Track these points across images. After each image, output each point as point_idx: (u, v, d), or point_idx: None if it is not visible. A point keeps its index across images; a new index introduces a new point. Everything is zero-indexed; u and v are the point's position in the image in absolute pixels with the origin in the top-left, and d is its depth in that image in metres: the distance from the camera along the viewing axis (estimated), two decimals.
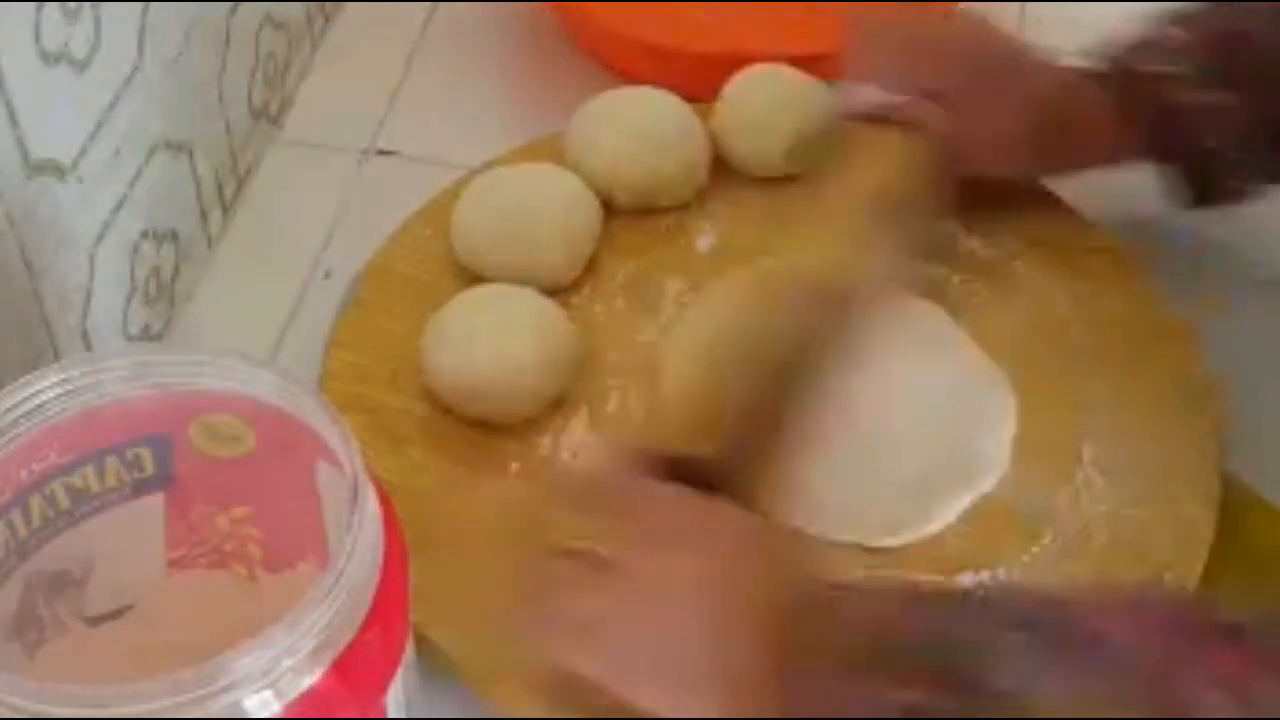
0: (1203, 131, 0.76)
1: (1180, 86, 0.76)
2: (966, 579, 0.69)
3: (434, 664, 0.64)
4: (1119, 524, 0.71)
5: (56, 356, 0.71)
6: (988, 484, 0.73)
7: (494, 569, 0.60)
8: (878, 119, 0.79)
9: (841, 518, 0.72)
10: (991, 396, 0.76)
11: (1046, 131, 0.78)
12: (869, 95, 0.79)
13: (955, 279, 0.81)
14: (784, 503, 0.70)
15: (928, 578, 0.69)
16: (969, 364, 0.78)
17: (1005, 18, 0.97)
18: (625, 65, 0.92)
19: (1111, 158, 0.80)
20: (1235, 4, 0.76)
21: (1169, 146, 0.78)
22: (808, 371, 0.69)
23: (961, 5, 0.93)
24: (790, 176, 0.85)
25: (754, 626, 0.56)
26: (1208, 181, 0.78)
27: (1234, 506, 0.71)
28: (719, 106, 0.85)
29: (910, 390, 0.77)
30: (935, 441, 0.75)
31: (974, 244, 0.82)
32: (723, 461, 0.64)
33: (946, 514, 0.72)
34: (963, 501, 0.72)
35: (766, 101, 0.84)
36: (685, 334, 0.78)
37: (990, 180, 0.80)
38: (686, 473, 0.62)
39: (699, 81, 0.86)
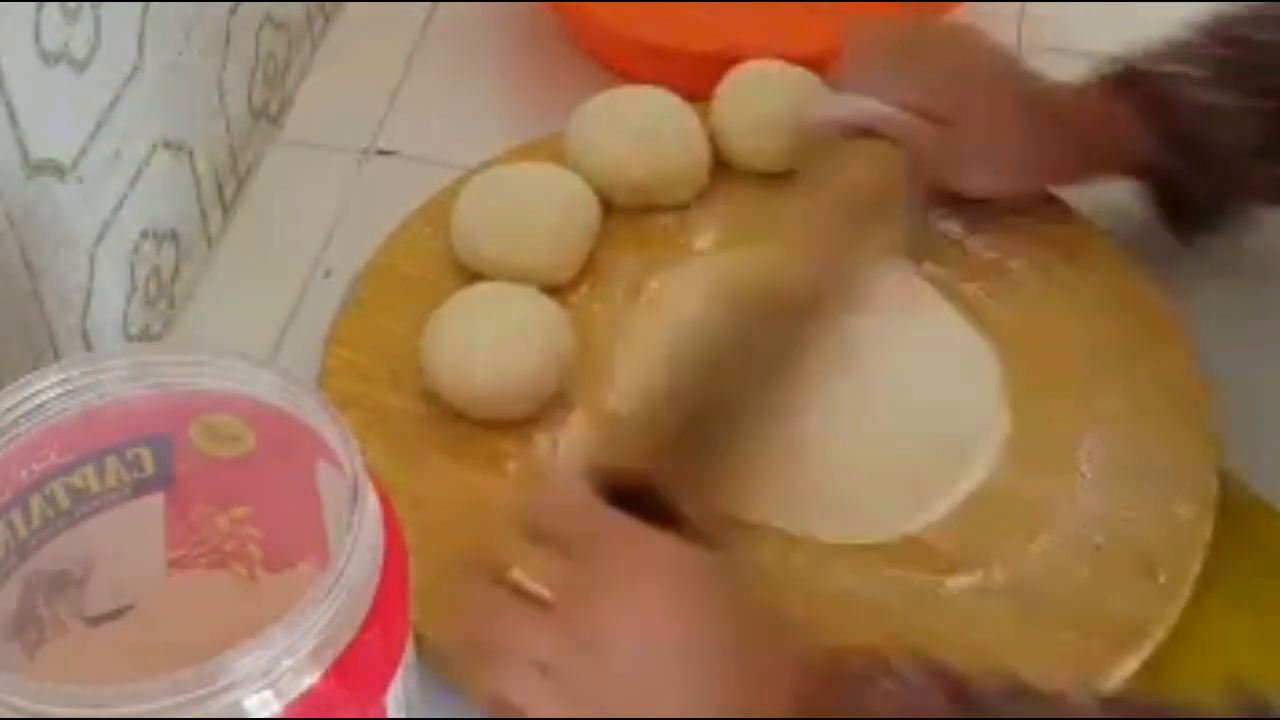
0: (1214, 133, 0.76)
1: (1194, 85, 0.76)
2: (961, 579, 0.69)
3: (434, 664, 0.64)
4: (1116, 523, 0.71)
5: (56, 356, 0.71)
6: (977, 477, 0.72)
7: (451, 581, 0.60)
8: (863, 131, 0.78)
9: (827, 515, 0.71)
10: (981, 382, 0.76)
11: (1043, 146, 0.78)
12: (859, 104, 0.78)
13: (949, 276, 0.81)
14: (761, 504, 0.70)
15: (920, 576, 0.69)
16: (958, 344, 0.78)
17: (1005, 18, 0.97)
18: (625, 65, 0.92)
19: (1112, 168, 0.80)
20: (1251, 13, 0.76)
21: (1177, 150, 0.77)
22: (768, 371, 0.69)
23: (958, 13, 0.93)
24: (790, 173, 0.85)
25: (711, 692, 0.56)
26: (1217, 190, 0.78)
27: (1232, 506, 0.71)
28: (715, 105, 0.85)
29: (897, 378, 0.76)
30: (923, 433, 0.74)
31: (972, 242, 0.82)
32: (679, 472, 0.64)
33: (936, 509, 0.71)
34: (953, 495, 0.72)
35: (761, 98, 0.84)
36: (637, 334, 0.78)
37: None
38: (642, 486, 0.62)
39: (699, 81, 0.86)
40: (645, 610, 0.57)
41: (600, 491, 0.62)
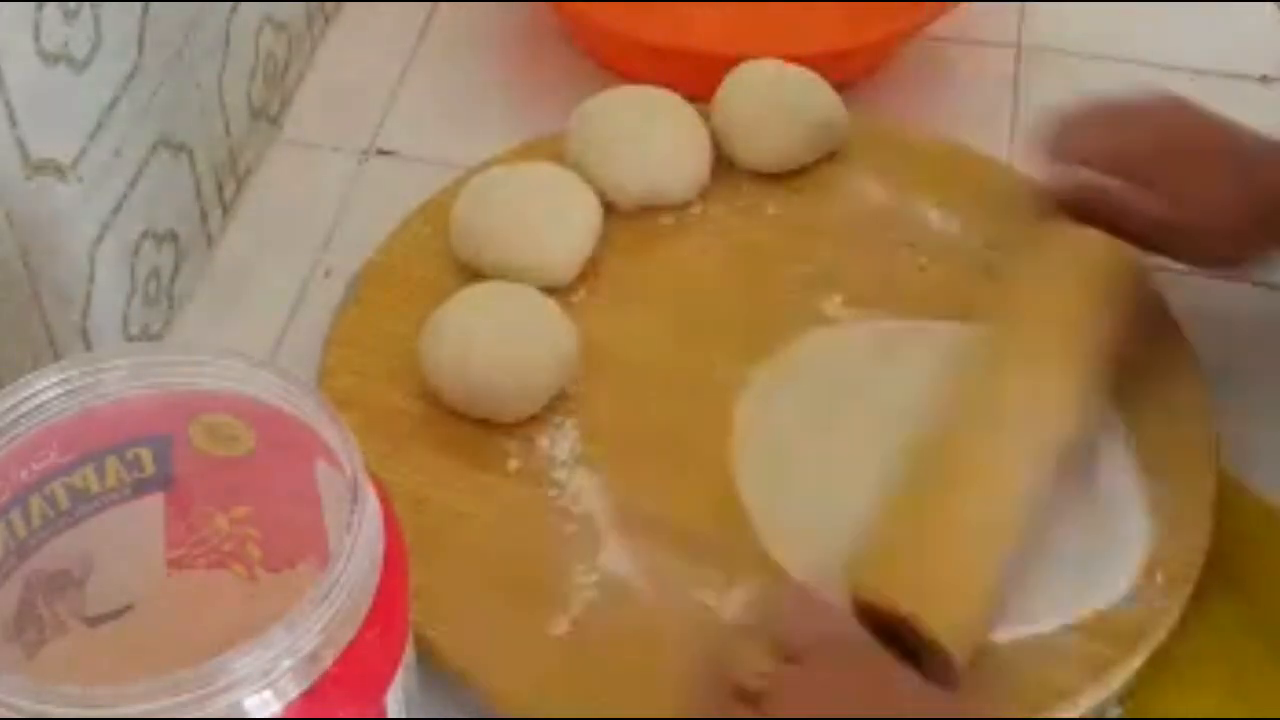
0: None
1: None
2: None
3: (434, 664, 0.64)
4: (1116, 523, 0.71)
5: (56, 356, 0.71)
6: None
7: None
8: (1084, 201, 0.76)
9: None
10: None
11: (1264, 219, 0.74)
12: (1076, 175, 0.76)
13: (943, 272, 0.81)
14: None
15: None
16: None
17: (1005, 18, 0.98)
18: (625, 65, 0.92)
19: None
20: None
21: None
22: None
23: (958, 13, 0.93)
24: (791, 172, 0.85)
25: None
26: None
27: (1232, 506, 0.72)
28: (715, 105, 0.85)
29: None
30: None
31: (971, 242, 0.82)
32: (923, 626, 0.62)
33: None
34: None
35: (762, 97, 0.84)
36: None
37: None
38: (880, 628, 0.61)
39: (699, 81, 0.86)
40: None
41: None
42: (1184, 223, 0.75)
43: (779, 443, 0.74)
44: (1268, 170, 0.75)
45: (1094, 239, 0.76)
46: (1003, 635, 0.66)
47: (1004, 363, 0.72)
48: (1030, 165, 0.79)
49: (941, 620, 0.62)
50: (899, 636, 0.62)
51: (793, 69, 0.85)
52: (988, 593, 0.65)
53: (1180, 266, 0.80)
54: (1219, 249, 0.77)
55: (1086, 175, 0.76)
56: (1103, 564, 0.69)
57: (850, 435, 0.73)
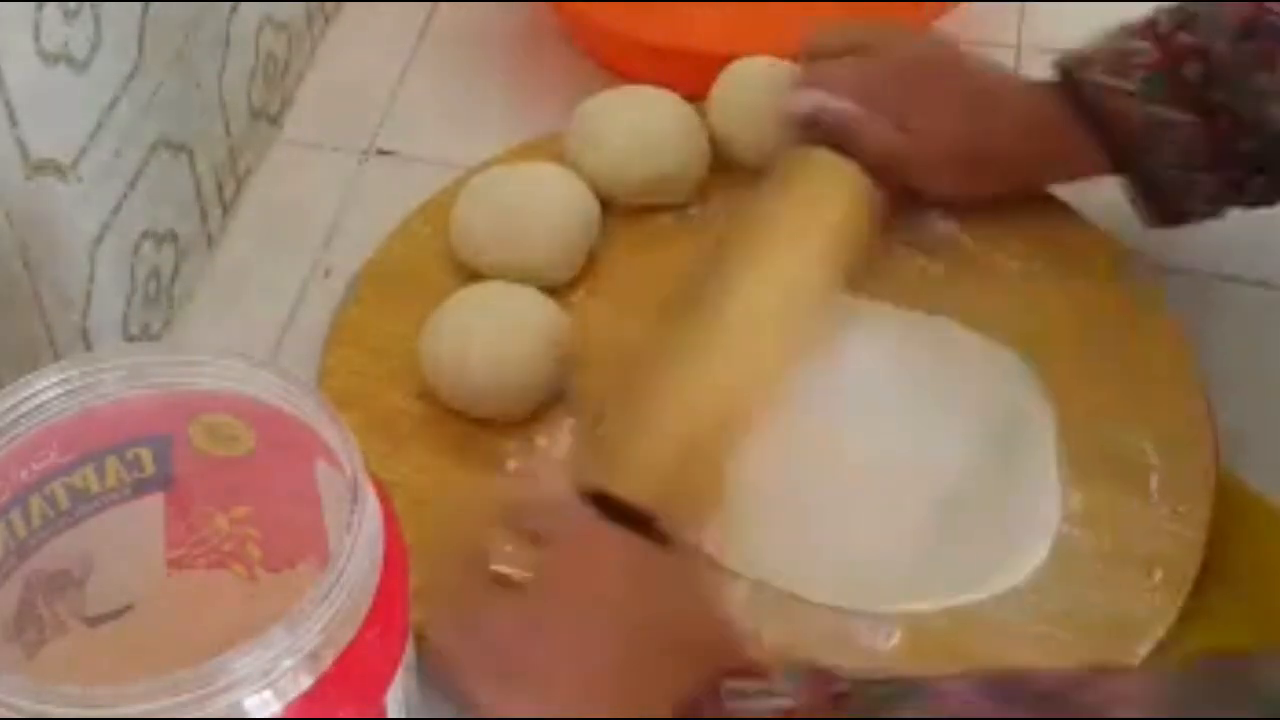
0: (1152, 148, 0.76)
1: (1129, 101, 0.75)
2: None
3: (429, 663, 0.64)
4: (1115, 523, 0.71)
5: (56, 356, 0.71)
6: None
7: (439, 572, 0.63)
8: (824, 127, 0.79)
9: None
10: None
11: (994, 153, 0.78)
12: (816, 99, 0.79)
13: (942, 271, 0.81)
14: (756, 555, 0.70)
15: None
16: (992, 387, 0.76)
17: (1005, 18, 0.97)
18: (625, 65, 0.92)
19: (1073, 173, 0.80)
20: (1197, 12, 0.75)
21: (1122, 162, 0.77)
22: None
23: (958, 13, 0.93)
24: None
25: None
26: (1166, 200, 0.78)
27: (1231, 506, 0.72)
28: (710, 102, 0.85)
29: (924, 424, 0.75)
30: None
31: (968, 241, 0.82)
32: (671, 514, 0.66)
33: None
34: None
35: (756, 94, 0.84)
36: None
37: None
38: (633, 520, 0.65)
39: (699, 81, 0.86)
40: (591, 597, 0.60)
41: (584, 498, 0.66)
42: (915, 152, 0.78)
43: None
44: (994, 98, 0.79)
45: (828, 159, 0.78)
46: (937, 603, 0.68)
47: (734, 264, 0.75)
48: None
49: (632, 486, 0.67)
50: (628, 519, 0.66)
51: (785, 65, 0.85)
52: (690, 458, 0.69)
53: (1178, 264, 0.81)
54: (952, 180, 0.79)
55: (823, 98, 0.79)
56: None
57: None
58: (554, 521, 0.64)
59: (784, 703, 0.56)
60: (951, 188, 0.80)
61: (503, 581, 0.62)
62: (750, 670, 0.58)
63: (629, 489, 0.67)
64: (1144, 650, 0.67)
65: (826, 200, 0.77)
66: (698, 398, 0.70)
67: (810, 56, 0.81)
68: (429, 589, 0.61)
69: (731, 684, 0.57)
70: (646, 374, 0.72)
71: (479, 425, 0.74)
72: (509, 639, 0.59)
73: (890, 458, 0.73)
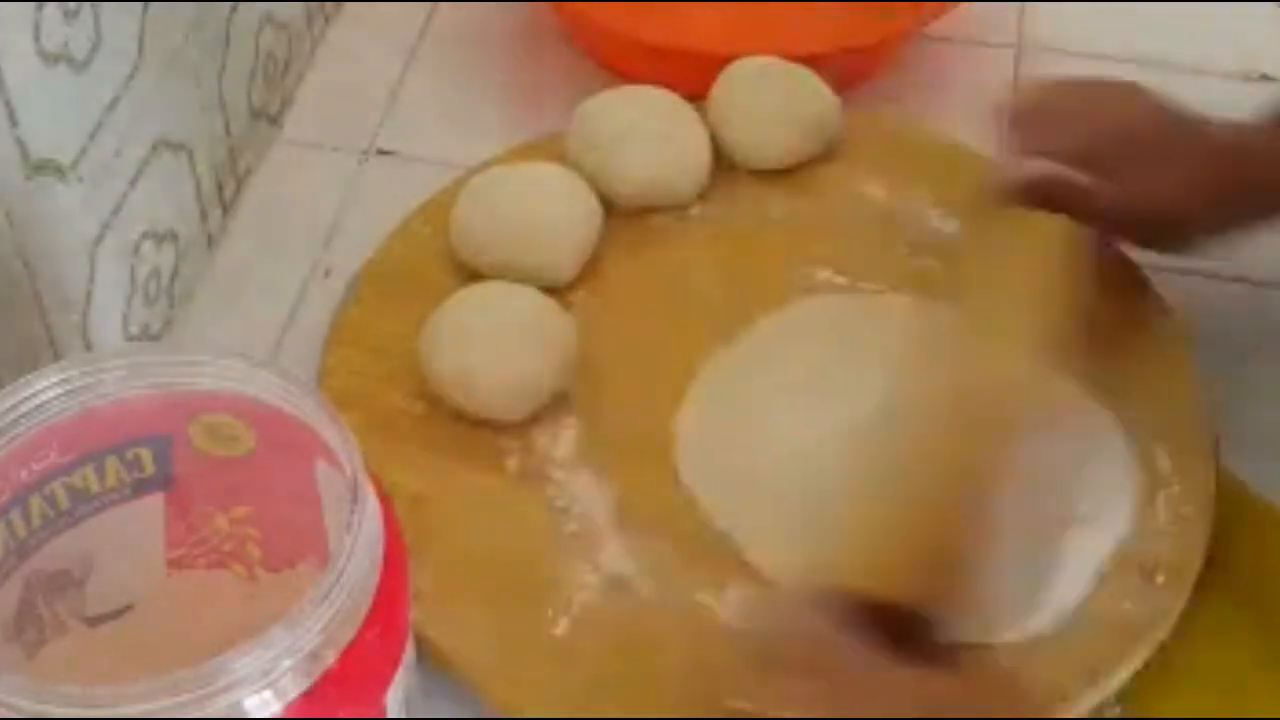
0: None
1: None
2: None
3: (434, 664, 0.64)
4: (1115, 523, 0.71)
5: (56, 356, 0.71)
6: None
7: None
8: (1046, 193, 0.75)
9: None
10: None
11: (1220, 190, 0.74)
12: (1034, 166, 0.76)
13: (942, 271, 0.81)
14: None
15: None
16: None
17: (1005, 18, 0.98)
18: (625, 65, 0.92)
19: None
20: None
21: None
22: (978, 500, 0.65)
23: (957, 13, 0.93)
24: (791, 173, 0.85)
25: None
26: None
27: (1231, 506, 0.72)
28: (709, 102, 0.85)
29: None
30: None
31: (968, 243, 0.82)
32: (918, 606, 0.61)
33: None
34: None
35: (757, 94, 0.84)
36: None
37: None
38: (876, 619, 0.60)
39: (699, 81, 0.86)
40: None
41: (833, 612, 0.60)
42: (1147, 212, 0.75)
43: (728, 431, 0.74)
44: (1231, 154, 0.75)
45: (1053, 221, 0.75)
46: (999, 636, 0.66)
47: (962, 343, 0.72)
48: (992, 153, 0.79)
49: (923, 595, 0.62)
50: (894, 628, 0.61)
51: (784, 64, 0.85)
52: (962, 565, 0.64)
53: (1178, 264, 0.81)
54: (1181, 235, 0.77)
55: (1046, 166, 0.76)
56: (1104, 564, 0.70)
57: (805, 417, 0.74)
58: (818, 653, 0.58)
59: None
60: (1192, 239, 0.77)
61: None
62: None
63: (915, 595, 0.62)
64: (1144, 652, 0.67)
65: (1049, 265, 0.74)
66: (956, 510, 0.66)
67: (1020, 120, 0.78)
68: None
69: None
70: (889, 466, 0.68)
71: (479, 425, 0.74)
72: None
73: (903, 457, 0.72)
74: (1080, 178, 0.75)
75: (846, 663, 0.58)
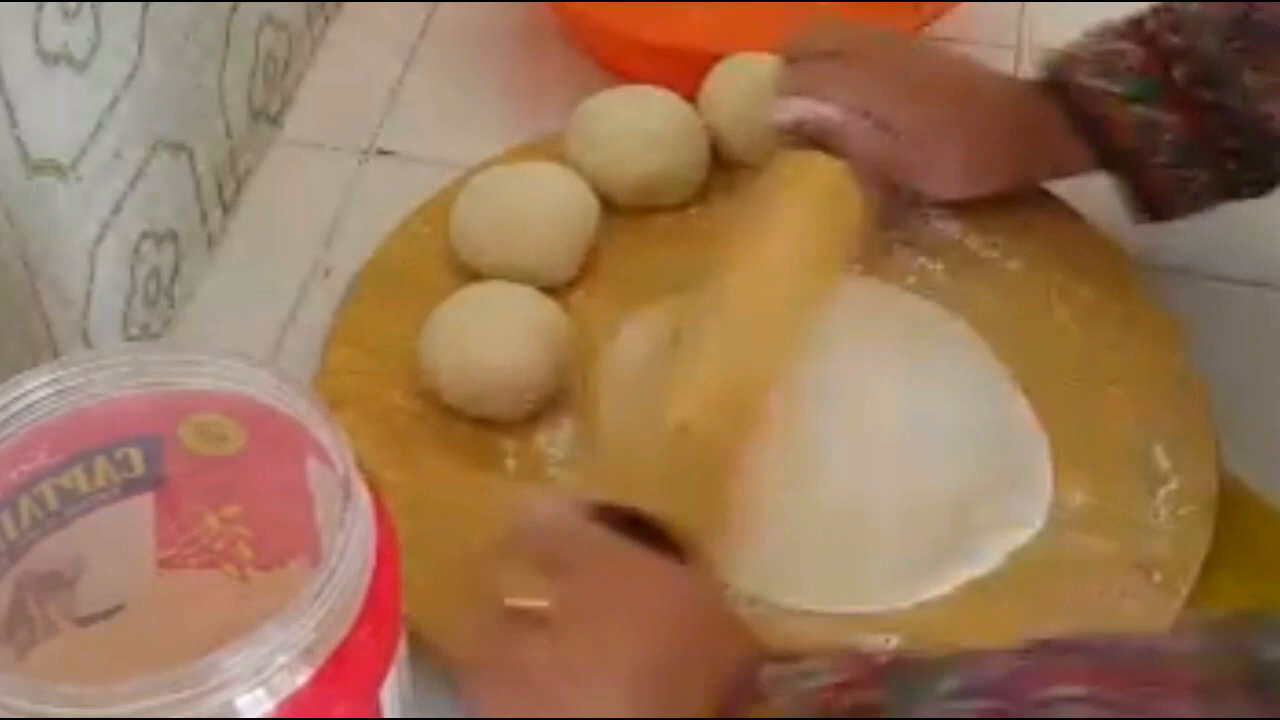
0: (1141, 147, 0.76)
1: (1115, 103, 0.75)
2: (960, 573, 0.69)
3: (428, 662, 0.64)
4: (1115, 524, 0.71)
5: (56, 356, 0.71)
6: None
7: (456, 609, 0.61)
8: (812, 135, 0.78)
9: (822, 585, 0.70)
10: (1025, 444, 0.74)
11: (984, 152, 0.78)
12: (803, 106, 0.78)
13: (943, 271, 0.81)
14: (747, 567, 0.69)
15: None
16: (986, 391, 0.76)
17: (1005, 18, 0.97)
18: (625, 65, 0.92)
19: (1063, 171, 0.80)
20: (1184, 12, 0.75)
21: (1112, 161, 0.77)
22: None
23: (957, 12, 0.93)
24: None
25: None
26: (1156, 197, 0.78)
27: (1231, 506, 0.71)
28: (701, 99, 0.85)
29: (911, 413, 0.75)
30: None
31: (970, 241, 0.82)
32: (678, 521, 0.64)
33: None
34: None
35: (748, 90, 0.84)
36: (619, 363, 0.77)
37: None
38: (638, 526, 0.63)
39: (699, 81, 0.86)
40: (622, 622, 0.58)
41: (587, 513, 0.63)
42: (906, 155, 0.77)
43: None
44: (982, 97, 0.78)
45: (819, 161, 0.77)
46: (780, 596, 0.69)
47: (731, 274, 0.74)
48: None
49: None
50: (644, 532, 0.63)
51: (770, 59, 0.85)
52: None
53: (1178, 264, 0.81)
54: (944, 182, 0.79)
55: (807, 105, 0.78)
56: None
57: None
58: (568, 549, 0.61)
59: (829, 679, 0.55)
60: (942, 188, 0.80)
61: (521, 615, 0.59)
62: (786, 657, 0.57)
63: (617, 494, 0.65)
64: None
65: (815, 202, 0.77)
66: (709, 384, 0.69)
67: (791, 60, 0.80)
68: (447, 631, 0.60)
69: (772, 670, 0.56)
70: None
71: (479, 425, 0.74)
72: (545, 680, 0.58)
73: (888, 456, 0.73)
74: (836, 115, 0.77)
75: (589, 552, 0.61)
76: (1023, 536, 0.70)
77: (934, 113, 0.78)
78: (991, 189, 0.80)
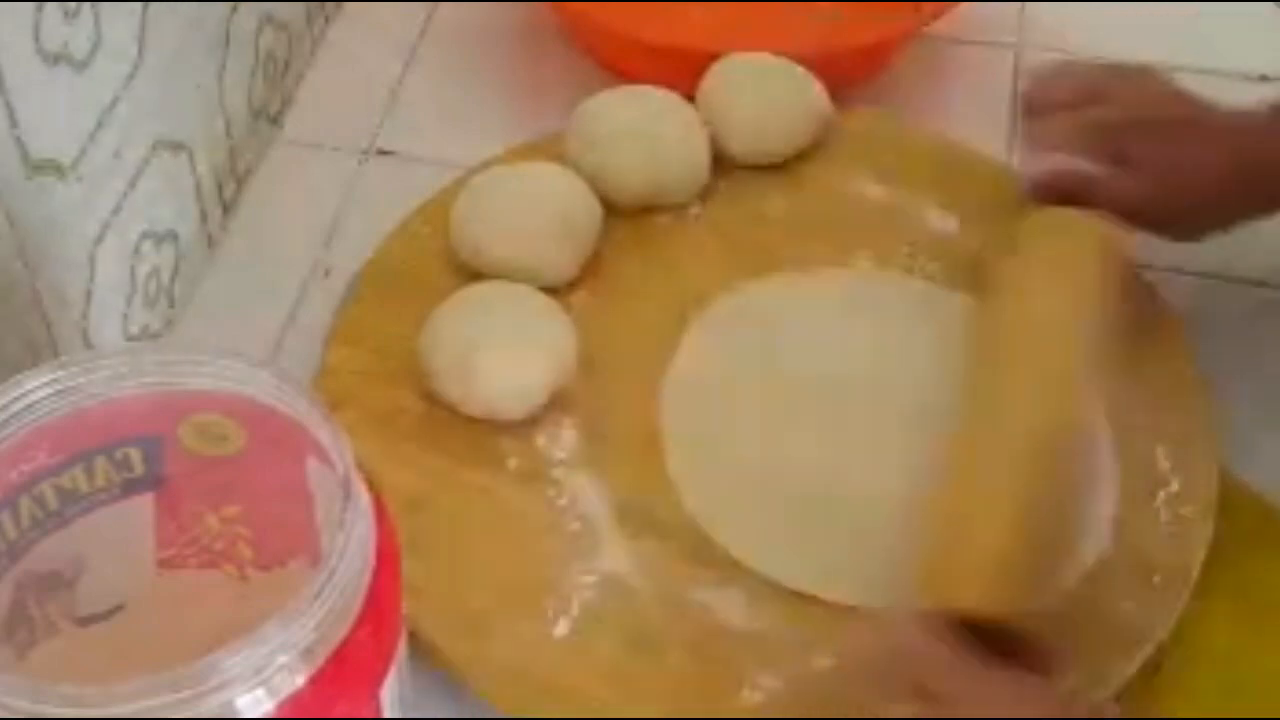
0: None
1: None
2: None
3: (428, 662, 0.64)
4: (1115, 524, 0.71)
5: (56, 356, 0.71)
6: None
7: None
8: (1065, 190, 0.76)
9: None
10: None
11: (1247, 179, 0.75)
12: (1052, 161, 0.77)
13: (944, 274, 0.81)
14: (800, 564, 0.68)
15: None
16: None
17: (1005, 18, 0.97)
18: (625, 65, 0.92)
19: None
20: None
21: None
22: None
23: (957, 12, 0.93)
24: (791, 173, 0.85)
25: None
26: None
27: (1232, 506, 0.71)
28: (699, 98, 0.85)
29: None
30: None
31: (967, 242, 0.82)
32: (1021, 622, 0.61)
33: None
34: None
35: (748, 90, 0.84)
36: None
37: None
38: (979, 634, 0.59)
39: (698, 81, 0.86)
40: None
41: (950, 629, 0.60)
42: (1167, 198, 0.75)
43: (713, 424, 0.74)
44: (1247, 138, 0.75)
45: (1080, 222, 0.75)
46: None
47: (999, 352, 0.72)
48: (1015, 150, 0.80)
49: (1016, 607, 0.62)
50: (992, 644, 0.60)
51: (768, 57, 0.85)
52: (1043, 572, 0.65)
53: (1178, 264, 0.80)
54: (1203, 220, 0.77)
55: (1060, 160, 0.77)
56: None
57: (795, 406, 0.74)
58: (942, 678, 0.57)
59: None
60: (1213, 224, 0.77)
61: None
62: None
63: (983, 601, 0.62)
64: (1145, 654, 0.66)
65: (1081, 266, 0.74)
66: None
67: (1033, 109, 0.78)
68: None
69: None
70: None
71: (478, 425, 0.74)
72: None
73: (903, 453, 0.72)
74: (1090, 168, 0.75)
75: (962, 683, 0.57)
76: None
77: (1190, 153, 0.75)
78: (1232, 225, 0.77)
